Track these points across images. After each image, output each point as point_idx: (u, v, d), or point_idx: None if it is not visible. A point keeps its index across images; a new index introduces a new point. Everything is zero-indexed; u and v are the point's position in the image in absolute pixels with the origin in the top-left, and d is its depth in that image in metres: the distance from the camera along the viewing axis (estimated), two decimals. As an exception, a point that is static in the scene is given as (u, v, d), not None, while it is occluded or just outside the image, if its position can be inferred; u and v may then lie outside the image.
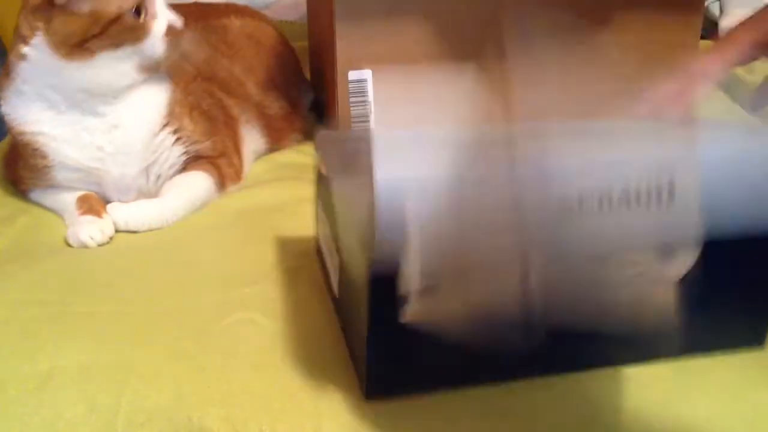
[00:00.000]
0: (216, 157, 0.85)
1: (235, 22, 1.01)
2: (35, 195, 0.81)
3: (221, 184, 0.84)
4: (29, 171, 0.79)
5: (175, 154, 0.81)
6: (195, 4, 1.01)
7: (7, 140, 0.88)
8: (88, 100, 0.75)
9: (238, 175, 0.88)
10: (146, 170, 0.79)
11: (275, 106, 0.98)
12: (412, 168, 0.45)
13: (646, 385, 0.54)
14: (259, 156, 0.96)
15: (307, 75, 1.15)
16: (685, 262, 0.51)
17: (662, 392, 0.54)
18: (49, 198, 0.80)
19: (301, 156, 0.96)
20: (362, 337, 0.50)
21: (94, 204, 0.77)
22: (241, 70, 0.96)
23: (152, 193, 0.81)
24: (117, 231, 0.75)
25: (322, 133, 0.60)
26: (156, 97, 0.79)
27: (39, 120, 0.75)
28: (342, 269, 0.56)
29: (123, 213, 0.76)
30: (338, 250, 0.57)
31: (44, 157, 0.76)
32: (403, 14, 0.88)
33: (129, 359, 0.55)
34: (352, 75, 0.90)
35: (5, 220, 0.76)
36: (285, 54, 1.06)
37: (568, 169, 0.46)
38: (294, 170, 0.91)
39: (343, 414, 0.51)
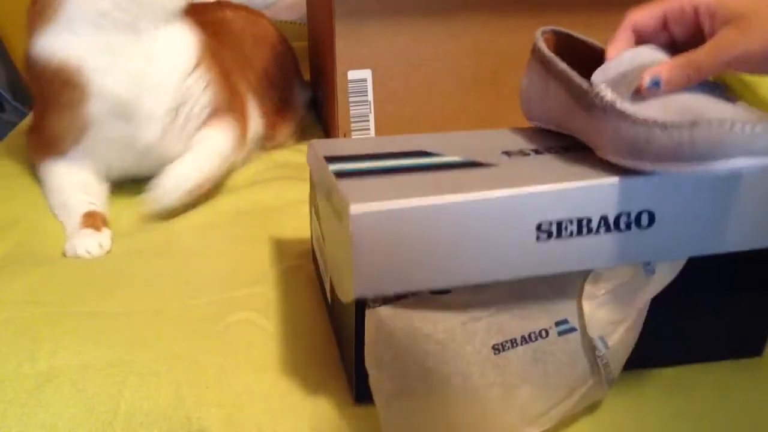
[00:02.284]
0: (235, 113, 0.88)
1: (230, 14, 1.03)
2: (54, 170, 0.81)
3: (243, 137, 0.88)
4: (59, 119, 0.79)
5: (204, 99, 0.84)
6: (191, 3, 1.01)
7: (27, 120, 0.87)
8: (137, 18, 0.77)
9: (245, 141, 0.91)
10: (176, 110, 0.81)
11: (270, 95, 1.00)
12: (380, 197, 0.46)
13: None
14: (254, 143, 0.96)
15: (307, 75, 1.15)
16: (664, 279, 0.51)
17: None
18: (58, 194, 0.81)
19: (301, 156, 0.95)
20: (351, 344, 0.50)
21: (97, 220, 0.77)
22: (242, 57, 0.98)
23: (177, 137, 0.82)
24: (164, 209, 0.78)
25: (314, 142, 0.60)
26: (190, 39, 0.83)
27: (81, 48, 0.77)
28: (330, 279, 0.57)
29: (164, 189, 0.78)
30: (325, 260, 0.58)
31: (83, 88, 0.77)
32: (403, 14, 0.88)
33: (128, 359, 0.55)
34: (352, 75, 0.90)
35: (7, 225, 0.77)
36: (280, 46, 1.08)
37: (548, 197, 0.46)
38: (293, 170, 0.90)
39: (341, 414, 0.51)
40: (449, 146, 0.56)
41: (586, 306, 0.50)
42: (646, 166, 0.47)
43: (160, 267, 0.68)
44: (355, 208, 0.44)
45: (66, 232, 0.77)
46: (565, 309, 0.50)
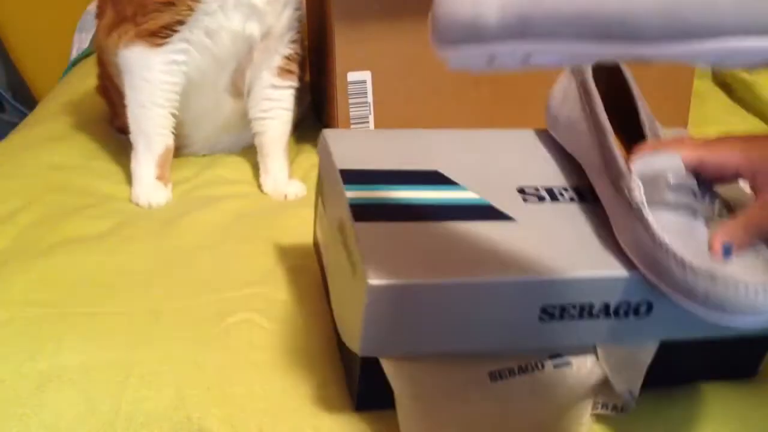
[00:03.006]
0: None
1: None
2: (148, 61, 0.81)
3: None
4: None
5: (290, 35, 0.86)
6: None
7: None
8: None
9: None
10: (266, 34, 0.82)
11: None
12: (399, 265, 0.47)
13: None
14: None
15: (306, 76, 1.15)
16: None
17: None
18: (147, 98, 0.82)
19: (302, 157, 0.96)
20: (353, 354, 0.50)
21: (166, 171, 0.83)
22: None
23: (265, 62, 0.85)
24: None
25: (325, 132, 0.60)
26: None
27: None
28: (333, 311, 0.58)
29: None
30: (330, 290, 0.59)
31: None
32: (403, 15, 0.88)
33: (129, 359, 0.55)
34: (352, 76, 0.90)
35: (6, 219, 0.76)
36: None
37: (555, 285, 0.47)
38: (294, 171, 0.91)
39: (341, 414, 0.51)
40: (463, 164, 0.57)
41: (605, 365, 0.51)
42: (657, 283, 0.48)
43: (161, 267, 0.68)
44: (374, 280, 0.45)
45: (135, 158, 0.83)
46: (560, 346, 0.52)
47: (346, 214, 0.51)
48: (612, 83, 0.60)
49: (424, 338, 0.48)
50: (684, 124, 1.02)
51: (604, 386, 0.52)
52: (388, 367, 0.48)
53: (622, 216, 0.51)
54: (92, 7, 1.65)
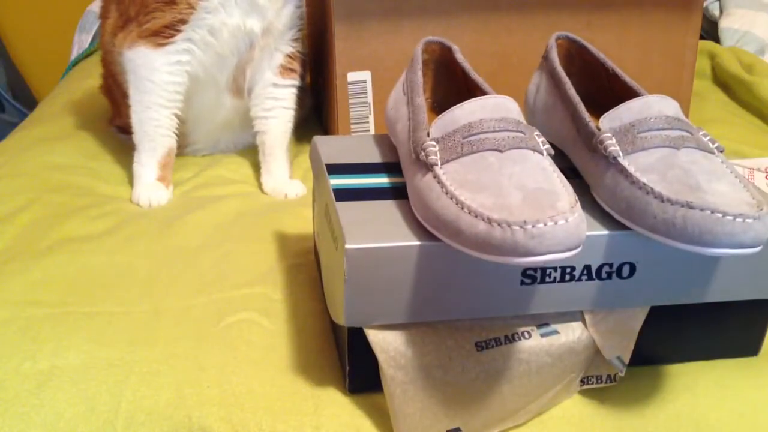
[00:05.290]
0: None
1: None
2: (152, 61, 0.81)
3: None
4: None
5: (291, 33, 0.87)
6: None
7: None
8: None
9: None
10: (265, 30, 0.83)
11: None
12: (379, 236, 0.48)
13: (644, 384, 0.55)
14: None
15: (308, 76, 1.15)
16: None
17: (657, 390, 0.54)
18: (151, 98, 0.82)
19: (302, 156, 0.96)
20: (345, 336, 0.51)
21: (168, 172, 0.83)
22: None
23: (265, 60, 0.86)
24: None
25: (316, 139, 0.63)
26: None
27: None
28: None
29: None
30: (322, 273, 0.59)
31: None
32: (402, 15, 0.89)
33: (129, 359, 0.55)
34: (352, 76, 0.90)
35: (5, 219, 0.76)
36: None
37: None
38: (294, 171, 0.91)
39: (342, 414, 0.51)
40: None
41: (594, 332, 0.52)
42: (638, 230, 0.48)
43: (161, 266, 0.68)
44: (351, 244, 0.46)
45: (137, 159, 0.83)
46: (546, 314, 0.52)
47: (329, 198, 0.53)
48: (584, 64, 0.61)
49: (406, 306, 0.49)
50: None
51: (593, 355, 0.52)
52: (372, 337, 0.49)
53: (600, 174, 0.51)
54: (92, 7, 1.66)
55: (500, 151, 0.48)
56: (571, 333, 0.51)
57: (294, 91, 0.90)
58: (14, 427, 0.50)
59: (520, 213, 0.42)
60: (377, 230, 0.48)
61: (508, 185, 0.45)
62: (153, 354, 0.56)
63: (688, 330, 0.56)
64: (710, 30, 1.44)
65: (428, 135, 0.51)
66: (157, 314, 0.61)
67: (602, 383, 0.53)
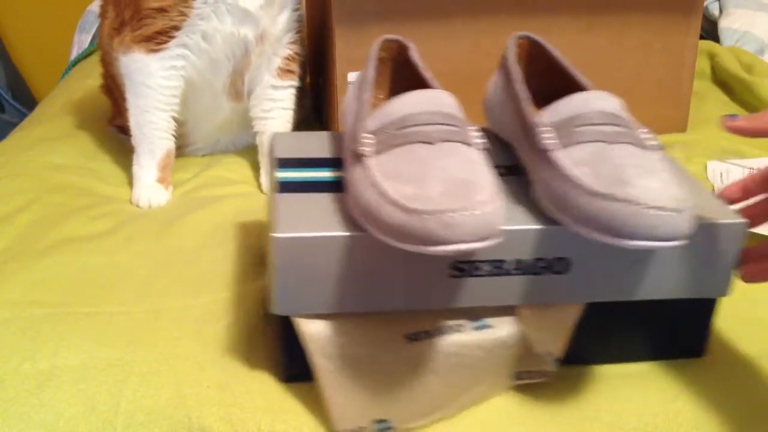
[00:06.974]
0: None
1: None
2: (148, 67, 0.80)
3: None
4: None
5: (289, 36, 0.87)
6: None
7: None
8: None
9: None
10: (260, 37, 0.82)
11: None
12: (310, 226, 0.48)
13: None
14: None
15: (307, 77, 1.15)
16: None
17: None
18: (149, 102, 0.82)
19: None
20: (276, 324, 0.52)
21: (168, 174, 0.83)
22: None
23: (264, 65, 0.86)
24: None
25: (275, 135, 0.64)
26: None
27: None
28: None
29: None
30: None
31: None
32: (402, 16, 0.89)
33: (129, 359, 0.55)
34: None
35: (5, 219, 0.76)
36: None
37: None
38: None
39: (342, 413, 0.51)
40: None
41: (526, 327, 0.51)
42: (570, 225, 0.47)
43: (161, 266, 0.68)
44: (279, 233, 0.47)
45: (137, 161, 0.83)
46: (480, 309, 0.52)
47: (272, 190, 0.54)
48: (544, 63, 0.61)
49: (336, 296, 0.49)
50: (684, 124, 1.02)
51: (527, 350, 0.52)
52: (302, 326, 0.49)
53: (538, 168, 0.51)
54: (92, 7, 1.66)
55: (431, 143, 0.48)
56: (505, 328, 0.51)
57: (293, 92, 0.90)
58: (14, 427, 0.50)
59: (437, 203, 0.43)
60: (309, 221, 0.49)
61: (433, 177, 0.45)
62: (153, 354, 0.56)
63: (629, 329, 0.55)
64: (710, 30, 1.44)
65: (365, 128, 0.51)
66: (157, 314, 0.61)
67: (536, 379, 0.53)
